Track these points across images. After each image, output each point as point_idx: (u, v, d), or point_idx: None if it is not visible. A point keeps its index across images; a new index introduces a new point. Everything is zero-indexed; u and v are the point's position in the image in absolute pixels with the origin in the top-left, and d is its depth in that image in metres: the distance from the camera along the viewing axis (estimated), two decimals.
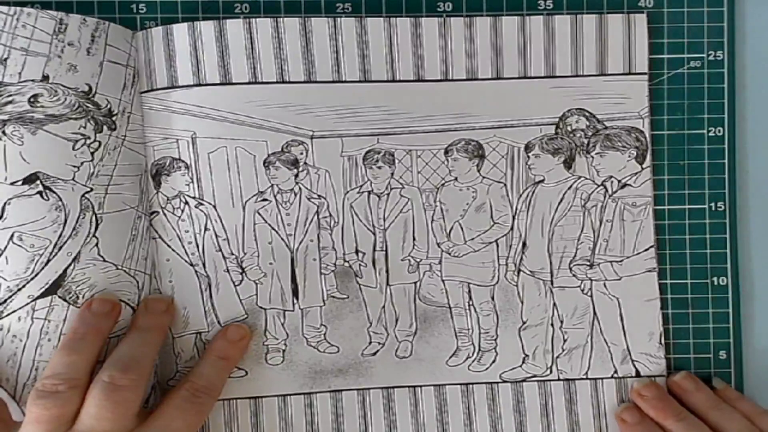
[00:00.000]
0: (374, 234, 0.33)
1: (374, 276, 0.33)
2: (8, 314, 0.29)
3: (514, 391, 0.33)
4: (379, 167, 0.33)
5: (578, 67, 0.33)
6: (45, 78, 0.29)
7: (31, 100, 0.29)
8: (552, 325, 0.34)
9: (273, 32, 0.32)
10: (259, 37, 0.32)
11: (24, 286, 0.29)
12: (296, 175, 0.33)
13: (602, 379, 0.33)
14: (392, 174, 0.33)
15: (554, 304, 0.34)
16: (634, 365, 0.33)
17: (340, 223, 0.33)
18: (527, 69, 0.33)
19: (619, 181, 0.34)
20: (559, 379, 0.34)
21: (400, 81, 0.32)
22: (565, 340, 0.34)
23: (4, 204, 0.28)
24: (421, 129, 0.33)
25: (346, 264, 0.33)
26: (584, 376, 0.34)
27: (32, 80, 0.29)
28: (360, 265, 0.33)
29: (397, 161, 0.33)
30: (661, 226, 0.34)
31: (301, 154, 0.33)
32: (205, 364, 0.31)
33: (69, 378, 0.27)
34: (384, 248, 0.33)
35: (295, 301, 0.33)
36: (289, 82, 0.32)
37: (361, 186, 0.33)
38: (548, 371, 0.34)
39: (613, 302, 0.34)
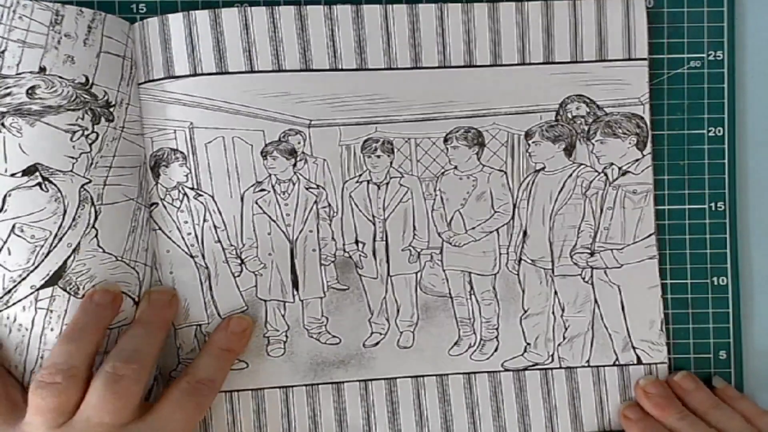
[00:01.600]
0: (374, 224, 0.34)
1: (375, 266, 0.34)
2: (13, 304, 0.30)
3: (516, 380, 0.35)
4: (378, 156, 0.34)
5: (577, 53, 0.34)
6: (42, 70, 0.30)
7: (29, 91, 0.30)
8: (553, 313, 0.35)
9: (269, 21, 0.33)
10: (254, 26, 0.33)
11: (26, 277, 0.30)
12: (294, 165, 0.34)
13: (604, 366, 0.35)
14: (391, 163, 0.34)
15: (555, 293, 0.35)
16: (635, 353, 0.34)
17: (339, 213, 0.34)
18: (526, 55, 0.34)
19: (620, 168, 0.35)
20: (560, 367, 0.35)
21: (397, 69, 0.33)
22: (566, 328, 0.35)
23: (5, 196, 0.30)
24: (420, 117, 0.34)
25: (346, 254, 0.34)
26: (586, 364, 0.35)
27: (30, 72, 0.30)
28: (360, 255, 0.34)
29: (396, 150, 0.34)
30: (661, 226, 0.35)
31: (299, 143, 0.34)
32: (207, 356, 0.32)
33: (67, 368, 0.28)
34: (384, 238, 0.34)
35: (296, 292, 0.34)
36: (286, 71, 0.33)
37: (360, 175, 0.34)
38: (550, 359, 0.35)
39: (613, 290, 0.35)
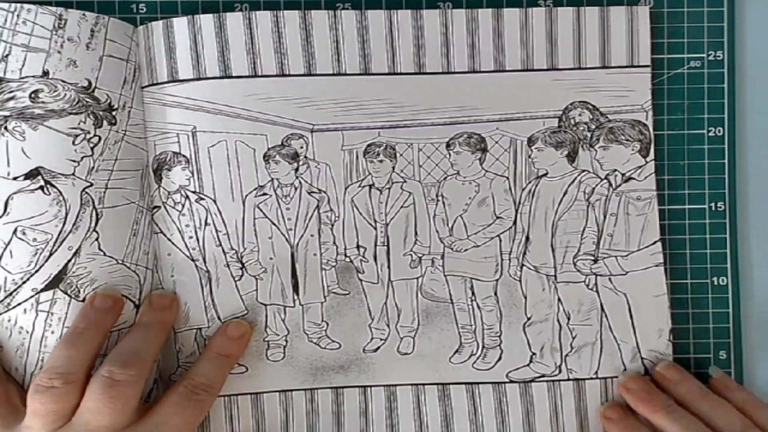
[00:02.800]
0: (375, 229, 0.35)
1: (376, 271, 0.35)
2: (15, 306, 0.30)
3: (523, 393, 0.34)
4: (381, 161, 0.34)
5: (581, 60, 0.34)
6: (45, 74, 0.31)
7: (32, 95, 0.30)
8: (558, 321, 0.35)
9: (273, 25, 0.33)
10: (258, 31, 0.33)
11: (28, 280, 0.30)
12: (296, 169, 0.34)
13: (612, 378, 0.34)
14: (393, 168, 0.35)
15: (559, 300, 0.35)
16: (643, 363, 0.35)
17: (341, 217, 0.35)
18: (529, 61, 0.34)
19: (623, 175, 0.35)
20: (569, 379, 0.35)
21: (401, 74, 0.34)
22: (573, 338, 0.35)
23: (7, 199, 0.30)
24: (423, 122, 0.34)
25: (347, 259, 0.35)
26: (594, 376, 0.35)
27: (33, 76, 0.30)
28: (361, 260, 0.35)
29: (398, 155, 0.34)
30: (661, 226, 0.35)
31: (302, 147, 0.34)
32: (205, 361, 0.32)
33: (65, 373, 0.28)
34: (385, 243, 0.35)
35: (296, 296, 0.35)
36: (289, 75, 0.34)
37: (362, 180, 0.35)
38: (557, 371, 0.35)
39: (620, 298, 0.35)
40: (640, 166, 0.35)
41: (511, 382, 0.35)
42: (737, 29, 0.35)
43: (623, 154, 0.35)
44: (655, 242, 0.35)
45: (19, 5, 0.30)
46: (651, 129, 0.35)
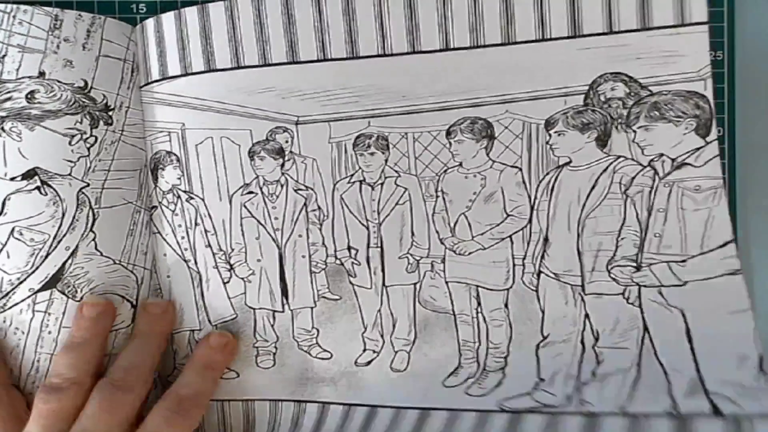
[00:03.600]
0: (368, 229, 0.32)
1: (369, 275, 0.32)
2: (11, 307, 0.31)
3: (511, 425, 0.29)
4: (371, 154, 0.32)
5: (612, 22, 0.28)
6: (41, 74, 0.31)
7: (29, 96, 0.31)
8: (582, 342, 0.29)
9: (254, 12, 0.32)
10: (240, 20, 0.32)
11: (25, 280, 0.31)
12: (282, 165, 0.32)
13: (647, 415, 0.28)
14: (386, 161, 0.32)
15: (586, 316, 0.30)
16: (709, 399, 0.28)
17: (329, 216, 0.32)
18: (545, 29, 0.29)
19: (674, 160, 0.28)
20: (577, 413, 0.29)
21: (392, 55, 0.30)
22: (598, 363, 0.29)
23: (4, 199, 0.31)
24: (419, 108, 0.31)
25: (338, 262, 0.32)
26: (617, 411, 0.29)
27: (29, 77, 0.31)
28: (353, 263, 0.32)
29: (391, 146, 0.31)
30: None
31: (287, 141, 0.32)
32: (190, 371, 0.32)
33: (70, 376, 0.29)
34: (379, 245, 0.32)
35: (285, 301, 0.33)
36: (272, 65, 0.32)
37: (351, 175, 0.32)
38: (566, 401, 0.29)
39: (673, 315, 0.28)
40: (697, 148, 0.28)
41: (501, 411, 0.30)
42: (737, 29, 0.34)
43: (673, 135, 0.28)
44: (726, 243, 0.28)
45: (15, 6, 0.31)
46: (711, 101, 0.28)
